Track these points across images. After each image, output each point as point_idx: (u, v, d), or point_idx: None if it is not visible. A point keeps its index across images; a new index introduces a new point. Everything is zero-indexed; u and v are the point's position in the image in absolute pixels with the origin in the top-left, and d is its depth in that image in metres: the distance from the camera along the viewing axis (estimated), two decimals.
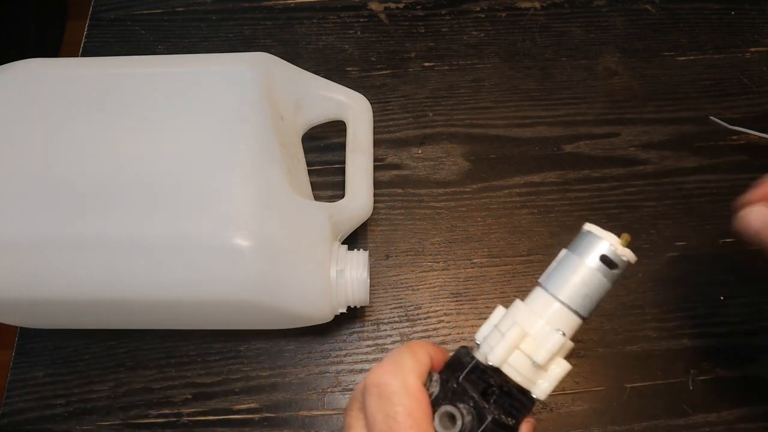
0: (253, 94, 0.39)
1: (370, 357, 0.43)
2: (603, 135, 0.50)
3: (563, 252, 0.29)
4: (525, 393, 0.28)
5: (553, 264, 0.29)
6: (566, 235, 0.46)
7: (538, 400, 0.28)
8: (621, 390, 0.41)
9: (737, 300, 0.44)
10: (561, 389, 0.41)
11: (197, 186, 0.36)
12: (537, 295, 0.29)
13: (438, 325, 0.44)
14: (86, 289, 0.35)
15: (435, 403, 0.27)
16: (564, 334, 0.27)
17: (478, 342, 0.29)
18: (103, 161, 0.37)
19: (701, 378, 0.41)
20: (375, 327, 0.44)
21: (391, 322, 0.44)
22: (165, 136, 0.38)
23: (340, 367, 0.43)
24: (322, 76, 0.45)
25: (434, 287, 0.45)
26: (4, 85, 0.40)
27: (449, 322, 0.44)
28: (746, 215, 0.34)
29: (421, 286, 0.45)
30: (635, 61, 0.53)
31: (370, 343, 0.43)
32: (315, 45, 0.55)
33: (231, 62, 0.41)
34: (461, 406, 0.27)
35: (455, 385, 0.28)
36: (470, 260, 0.46)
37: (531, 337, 0.28)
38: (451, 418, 0.27)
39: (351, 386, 0.42)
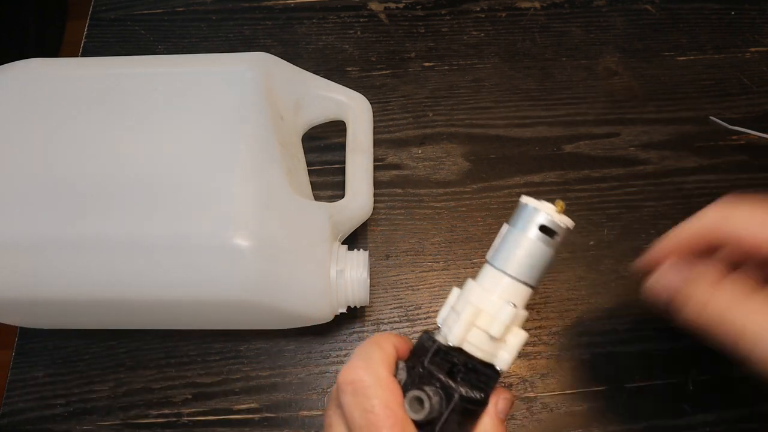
0: (253, 94, 0.39)
1: None
2: (603, 135, 0.50)
3: (505, 227, 0.30)
4: (490, 366, 0.29)
5: (497, 240, 0.31)
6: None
7: (503, 372, 0.29)
8: (621, 390, 0.41)
9: None
10: (561, 389, 0.41)
11: (197, 186, 0.36)
12: (486, 272, 0.30)
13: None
14: (86, 289, 0.35)
15: (404, 390, 0.28)
16: (515, 306, 0.29)
17: (439, 325, 0.31)
18: (103, 161, 0.37)
19: (701, 378, 0.41)
20: (375, 327, 0.44)
21: (391, 322, 0.44)
22: (165, 136, 0.38)
23: (340, 367, 0.43)
24: (322, 76, 0.45)
25: (434, 287, 0.45)
26: (4, 85, 0.40)
27: None
28: (654, 284, 0.32)
29: (421, 286, 0.45)
30: (635, 61, 0.53)
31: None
32: (315, 45, 0.55)
33: (231, 62, 0.41)
34: (428, 388, 0.28)
35: (421, 370, 0.29)
36: (470, 260, 0.46)
37: (485, 313, 0.29)
38: (419, 401, 0.28)
39: None
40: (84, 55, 0.56)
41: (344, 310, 0.40)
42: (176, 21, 0.57)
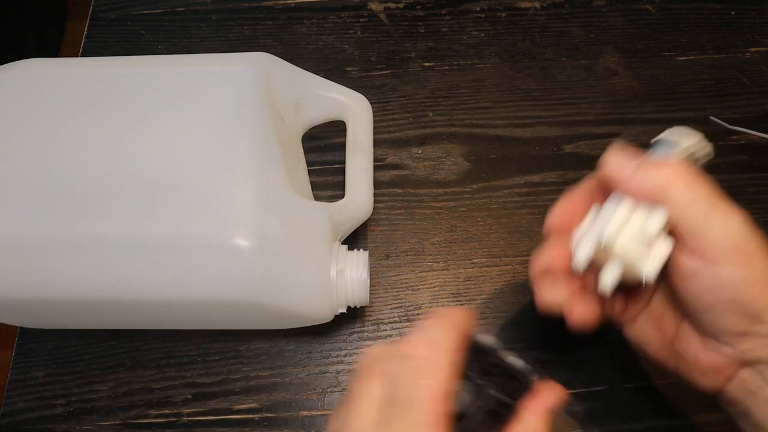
0: (253, 94, 0.39)
1: None
2: (603, 135, 0.50)
3: (651, 150, 0.32)
4: (523, 374, 0.29)
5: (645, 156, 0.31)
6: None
7: (647, 285, 0.30)
8: (621, 390, 0.41)
9: None
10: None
11: (197, 186, 0.36)
12: None
13: None
14: (86, 289, 0.35)
15: None
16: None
17: (576, 238, 0.31)
18: (103, 161, 0.37)
19: None
20: (375, 327, 0.44)
21: (391, 322, 0.44)
22: (165, 136, 0.38)
23: (340, 367, 0.43)
24: (322, 76, 0.45)
25: (434, 287, 0.45)
26: (4, 85, 0.40)
27: None
28: (540, 295, 0.32)
29: (421, 286, 0.45)
30: (635, 61, 0.53)
31: (370, 343, 0.43)
32: (315, 45, 0.55)
33: (231, 62, 0.41)
34: (461, 382, 0.28)
35: None
36: (470, 260, 0.46)
37: (641, 209, 0.29)
38: (453, 396, 0.27)
39: None
40: (84, 55, 0.56)
41: (344, 310, 0.40)
42: (176, 21, 0.57)
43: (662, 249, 0.29)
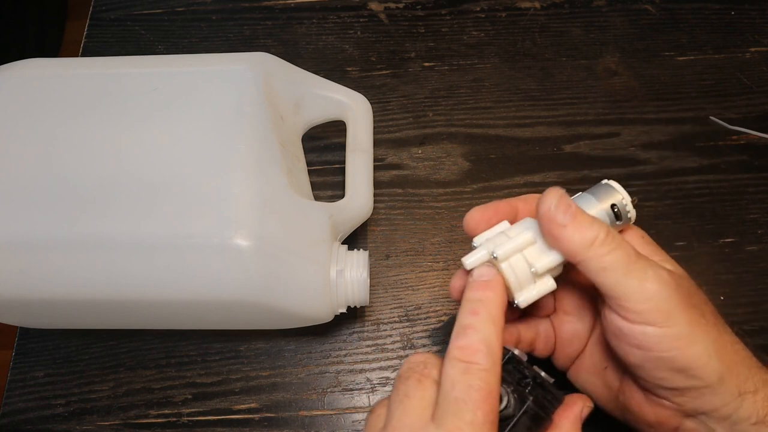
0: (253, 94, 0.39)
1: (370, 357, 0.43)
2: (603, 135, 0.50)
3: (583, 193, 0.33)
4: (555, 387, 0.30)
5: (573, 197, 0.32)
6: None
7: (517, 307, 0.31)
8: None
9: (737, 300, 0.44)
10: (560, 389, 0.41)
11: (197, 186, 0.36)
12: None
13: (438, 325, 0.44)
14: (86, 289, 0.35)
15: None
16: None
17: (475, 245, 0.32)
18: (103, 161, 0.37)
19: None
20: (375, 327, 0.44)
21: (391, 322, 0.44)
22: (165, 136, 0.38)
23: (340, 367, 0.43)
24: (322, 76, 0.45)
25: (434, 287, 0.45)
26: (4, 85, 0.40)
27: (449, 322, 0.44)
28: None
29: (421, 286, 0.45)
30: (635, 61, 0.53)
31: (370, 343, 0.43)
32: (315, 45, 0.55)
33: (231, 62, 0.41)
34: (504, 387, 0.29)
35: None
36: None
37: (537, 247, 0.30)
38: (499, 398, 0.28)
39: (351, 386, 0.42)
40: (84, 55, 0.56)
41: (344, 310, 0.40)
42: (176, 21, 0.57)
43: (543, 286, 0.31)
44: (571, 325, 0.35)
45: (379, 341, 0.43)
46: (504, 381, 0.29)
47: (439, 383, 0.27)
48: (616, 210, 0.32)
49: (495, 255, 0.30)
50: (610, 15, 0.56)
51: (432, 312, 0.44)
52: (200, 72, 0.40)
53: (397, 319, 0.44)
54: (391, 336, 0.43)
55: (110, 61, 0.43)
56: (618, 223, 0.32)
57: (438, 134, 0.51)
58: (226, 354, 0.43)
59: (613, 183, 0.32)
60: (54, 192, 0.36)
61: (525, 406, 0.28)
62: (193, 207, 0.35)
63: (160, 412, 0.42)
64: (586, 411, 0.31)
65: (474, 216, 0.32)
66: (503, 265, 0.30)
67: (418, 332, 0.43)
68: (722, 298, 0.44)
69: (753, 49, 0.54)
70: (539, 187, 0.48)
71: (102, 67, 0.41)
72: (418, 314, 0.44)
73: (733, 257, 0.45)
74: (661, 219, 0.47)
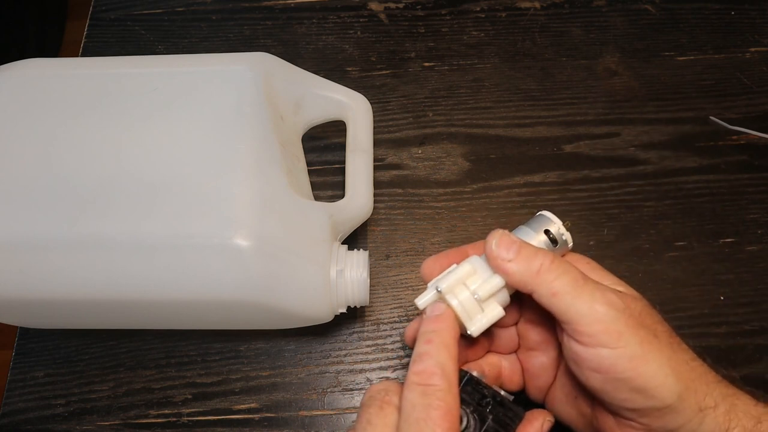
0: (253, 94, 0.39)
1: (370, 357, 0.43)
2: (603, 135, 0.50)
3: (520, 225, 0.34)
4: (516, 405, 0.32)
5: (512, 231, 0.34)
6: None
7: (471, 336, 0.32)
8: None
9: (737, 300, 0.44)
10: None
11: (197, 186, 0.36)
12: None
13: None
14: (86, 289, 0.35)
15: None
16: (505, 285, 0.31)
17: (428, 285, 0.33)
18: (103, 161, 0.37)
19: None
20: (375, 327, 0.44)
21: (391, 322, 0.44)
22: (165, 136, 0.38)
23: (340, 367, 0.43)
24: (322, 76, 0.45)
25: None
26: (4, 85, 0.40)
27: None
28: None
29: (421, 286, 0.45)
30: (635, 61, 0.53)
31: (370, 343, 0.43)
32: (315, 45, 0.55)
33: (231, 62, 0.41)
34: (464, 409, 0.30)
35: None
36: None
37: (478, 276, 0.32)
38: (459, 418, 0.29)
39: (351, 386, 0.42)
40: (84, 55, 0.56)
41: (344, 310, 0.40)
42: (176, 21, 0.57)
43: (492, 313, 0.31)
44: (537, 359, 0.36)
45: (379, 341, 0.43)
46: (463, 402, 0.30)
47: (399, 409, 0.29)
48: (551, 236, 0.33)
49: (439, 288, 0.31)
50: (610, 15, 0.56)
51: None
52: (200, 72, 0.40)
53: (397, 319, 0.44)
54: (391, 336, 0.43)
55: (110, 61, 0.43)
56: (555, 247, 0.33)
57: (438, 134, 0.51)
58: (226, 354, 0.43)
59: (547, 213, 0.34)
60: (54, 192, 0.36)
61: (485, 425, 0.30)
62: (193, 207, 0.35)
63: (160, 412, 0.42)
64: (546, 425, 0.32)
65: (428, 265, 0.34)
66: (448, 297, 0.31)
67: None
68: (722, 298, 0.44)
69: (753, 49, 0.54)
70: (539, 187, 0.48)
71: (102, 67, 0.41)
72: (417, 314, 0.44)
73: (733, 257, 0.45)
74: (661, 219, 0.47)
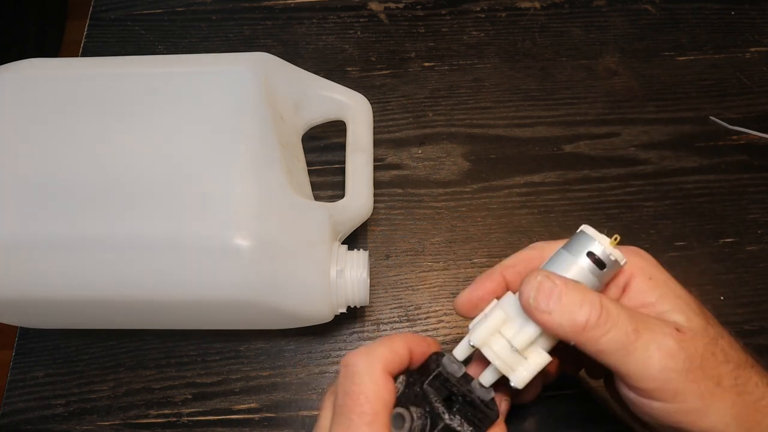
0: (253, 94, 0.39)
1: None
2: (603, 135, 0.50)
3: (559, 249, 0.30)
4: (489, 405, 0.29)
5: (549, 258, 0.30)
6: (566, 235, 0.46)
7: (517, 389, 0.29)
8: None
9: (737, 300, 0.44)
10: (560, 389, 0.41)
11: (197, 186, 0.36)
12: None
13: (438, 325, 0.44)
14: (86, 289, 0.35)
15: (398, 402, 0.29)
16: None
17: (470, 328, 0.30)
18: (103, 161, 0.37)
19: None
20: (375, 327, 0.44)
21: (391, 322, 0.44)
22: (165, 136, 0.38)
23: (340, 367, 0.43)
24: (322, 76, 0.45)
25: (434, 287, 0.45)
26: (4, 85, 0.40)
27: (449, 322, 0.44)
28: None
29: (421, 286, 0.45)
30: (635, 61, 0.53)
31: (370, 343, 0.43)
32: (315, 45, 0.55)
33: (231, 62, 0.41)
34: (414, 409, 0.28)
35: (418, 389, 0.29)
36: (470, 260, 0.46)
37: (513, 322, 0.28)
38: (401, 418, 0.28)
39: None
40: (84, 55, 0.56)
41: (344, 310, 0.40)
42: (176, 21, 0.57)
43: (537, 360, 0.28)
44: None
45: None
46: (423, 400, 0.28)
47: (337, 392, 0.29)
48: (595, 258, 0.28)
49: (471, 343, 0.29)
50: (610, 15, 0.56)
51: (432, 312, 0.44)
52: (200, 72, 0.40)
53: (397, 319, 0.44)
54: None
55: (110, 61, 0.43)
56: (603, 270, 0.28)
57: (438, 134, 0.51)
58: (226, 354, 0.43)
59: (588, 229, 0.29)
60: (54, 192, 0.36)
61: (438, 428, 0.28)
62: (193, 207, 0.35)
63: (160, 412, 0.42)
64: None
65: (461, 303, 0.32)
66: (484, 350, 0.29)
67: (418, 332, 0.43)
68: (722, 298, 0.44)
69: (753, 49, 0.54)
70: (539, 187, 0.48)
71: (102, 67, 0.41)
72: (418, 314, 0.44)
73: (733, 257, 0.45)
74: (661, 219, 0.47)
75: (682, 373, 0.26)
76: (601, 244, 0.28)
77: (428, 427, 0.28)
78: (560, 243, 0.30)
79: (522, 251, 0.32)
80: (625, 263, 0.29)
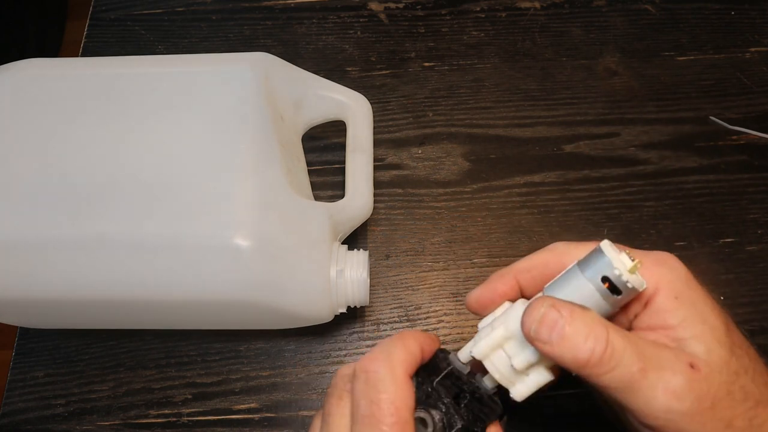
0: (253, 94, 0.39)
1: None
2: (603, 135, 0.50)
3: (573, 264, 0.28)
4: (495, 400, 0.29)
5: (562, 273, 0.29)
6: (566, 235, 0.46)
7: (515, 401, 0.29)
8: None
9: (737, 300, 0.44)
10: (560, 389, 0.41)
11: (197, 186, 0.36)
12: None
13: (438, 325, 0.44)
14: (86, 289, 0.35)
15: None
16: None
17: (480, 327, 0.30)
18: (103, 161, 0.37)
19: None
20: (375, 327, 0.44)
21: (391, 322, 0.44)
22: (165, 136, 0.38)
23: (340, 366, 0.43)
24: (322, 76, 0.45)
25: (434, 287, 0.45)
26: (4, 85, 0.40)
27: (449, 322, 0.44)
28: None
29: (421, 286, 0.45)
30: (635, 61, 0.53)
31: (370, 343, 0.43)
32: (315, 45, 0.55)
33: (231, 62, 0.41)
34: (434, 411, 0.28)
35: (429, 389, 0.29)
36: (470, 260, 0.46)
37: (516, 341, 0.28)
38: (423, 422, 0.28)
39: None
40: (84, 55, 0.56)
41: (344, 310, 0.40)
42: (176, 21, 0.57)
43: (537, 378, 0.28)
44: None
45: (379, 341, 0.43)
46: (436, 400, 0.28)
47: (355, 397, 0.27)
48: (611, 285, 0.26)
49: (472, 354, 0.29)
50: (610, 15, 0.56)
51: (432, 312, 0.44)
52: (200, 72, 0.40)
53: (397, 319, 0.44)
54: (390, 336, 0.43)
55: (110, 61, 0.43)
56: (618, 297, 0.26)
57: (438, 134, 0.51)
58: (226, 354, 0.43)
59: (607, 248, 0.26)
60: (54, 192, 0.36)
61: (452, 426, 0.28)
62: (193, 207, 0.35)
63: (160, 412, 0.42)
64: None
65: (472, 302, 0.31)
66: (485, 363, 0.29)
67: None
68: (722, 298, 0.44)
69: (753, 49, 0.54)
70: (539, 187, 0.48)
71: (102, 67, 0.41)
72: (418, 314, 0.44)
73: (733, 257, 0.45)
74: (661, 219, 0.47)
75: (687, 415, 0.25)
76: (617, 269, 0.26)
77: (447, 428, 0.28)
78: (580, 246, 0.29)
79: (539, 253, 0.31)
80: (645, 288, 0.27)
